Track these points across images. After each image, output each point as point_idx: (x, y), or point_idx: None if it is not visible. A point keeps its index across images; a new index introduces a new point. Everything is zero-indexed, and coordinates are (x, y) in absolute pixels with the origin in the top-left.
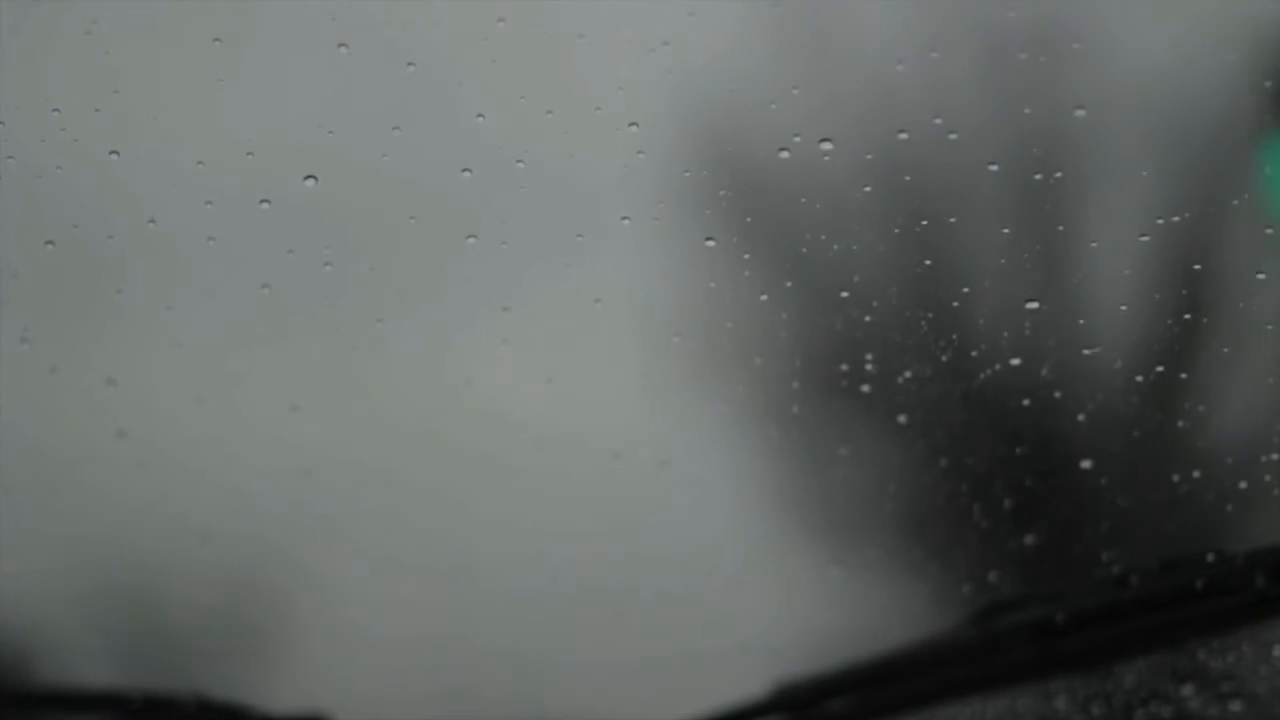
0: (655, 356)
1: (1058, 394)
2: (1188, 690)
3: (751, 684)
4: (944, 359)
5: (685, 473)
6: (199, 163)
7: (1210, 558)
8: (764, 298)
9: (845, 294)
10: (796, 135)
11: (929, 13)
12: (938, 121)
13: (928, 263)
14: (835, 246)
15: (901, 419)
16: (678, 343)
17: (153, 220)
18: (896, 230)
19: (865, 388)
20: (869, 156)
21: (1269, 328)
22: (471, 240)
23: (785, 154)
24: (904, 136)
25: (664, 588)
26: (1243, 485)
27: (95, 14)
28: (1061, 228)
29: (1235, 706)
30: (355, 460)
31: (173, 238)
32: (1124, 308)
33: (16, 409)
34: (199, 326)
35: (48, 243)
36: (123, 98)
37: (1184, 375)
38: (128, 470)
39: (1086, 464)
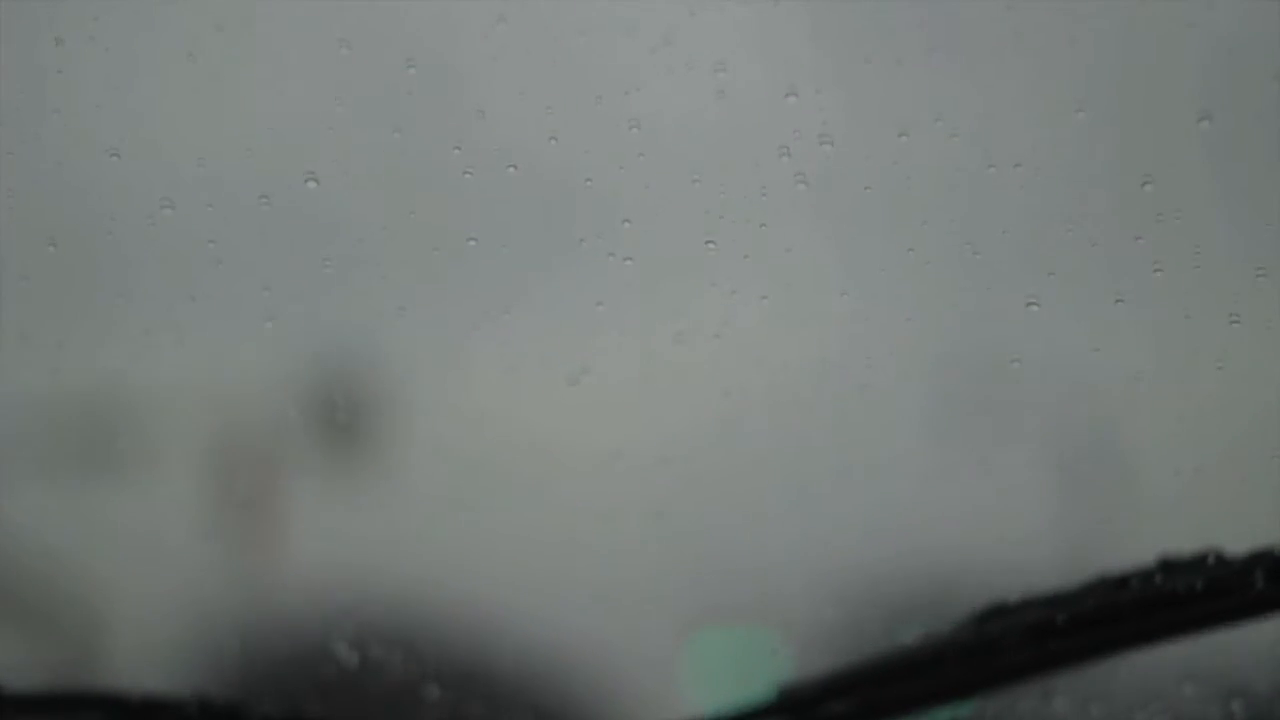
0: (656, 357)
1: (1058, 393)
2: (1188, 690)
3: (752, 684)
4: (945, 358)
5: (685, 471)
6: (200, 163)
7: (1210, 558)
8: (764, 299)
9: (845, 294)
10: (797, 136)
11: (930, 12)
12: (938, 123)
13: (928, 263)
14: (836, 247)
15: (902, 417)
16: (678, 344)
17: (153, 220)
18: (897, 231)
19: (866, 386)
20: (869, 157)
21: (1269, 326)
22: (472, 242)
23: (786, 156)
24: (904, 139)
25: (664, 587)
26: (1243, 485)
27: (96, 13)
28: (1060, 226)
29: (1235, 706)
30: (355, 459)
31: (173, 238)
32: (1123, 305)
33: (17, 408)
34: (199, 326)
35: (48, 242)
36: (123, 98)
37: (1184, 374)
38: (128, 469)
39: (1087, 463)
